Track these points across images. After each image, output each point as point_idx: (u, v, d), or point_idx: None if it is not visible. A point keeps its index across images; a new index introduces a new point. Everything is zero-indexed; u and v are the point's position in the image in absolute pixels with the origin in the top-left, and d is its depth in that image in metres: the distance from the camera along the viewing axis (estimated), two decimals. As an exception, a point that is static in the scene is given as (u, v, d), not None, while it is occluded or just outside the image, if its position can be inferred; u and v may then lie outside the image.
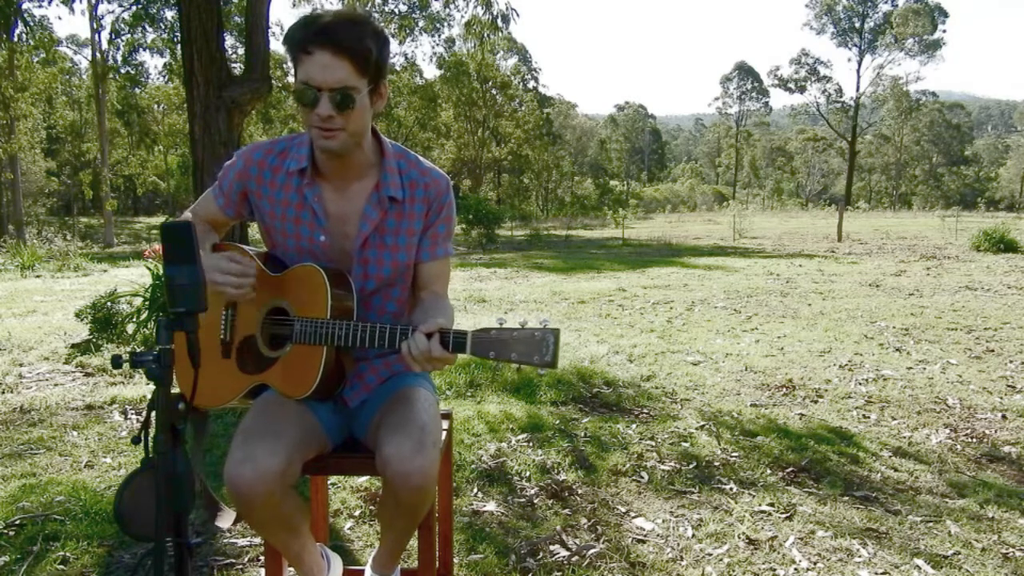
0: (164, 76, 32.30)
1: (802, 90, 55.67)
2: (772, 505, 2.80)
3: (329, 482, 2.68)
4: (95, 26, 30.64)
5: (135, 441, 1.29)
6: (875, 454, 3.39)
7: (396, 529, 1.76)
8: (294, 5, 30.29)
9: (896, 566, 2.37)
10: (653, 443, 3.49)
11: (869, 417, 3.94)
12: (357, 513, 2.73)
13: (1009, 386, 4.52)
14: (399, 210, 1.77)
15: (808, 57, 55.21)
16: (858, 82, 57.23)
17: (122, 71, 33.15)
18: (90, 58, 32.56)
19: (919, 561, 2.39)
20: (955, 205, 37.01)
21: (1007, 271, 10.70)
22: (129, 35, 30.73)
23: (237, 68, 6.11)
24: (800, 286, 9.24)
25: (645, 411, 4.01)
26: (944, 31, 52.00)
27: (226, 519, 1.74)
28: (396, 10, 32.55)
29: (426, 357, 1.51)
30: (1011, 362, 5.09)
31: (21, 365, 4.97)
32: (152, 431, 1.29)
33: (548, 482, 3.01)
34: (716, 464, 3.24)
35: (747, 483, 3.03)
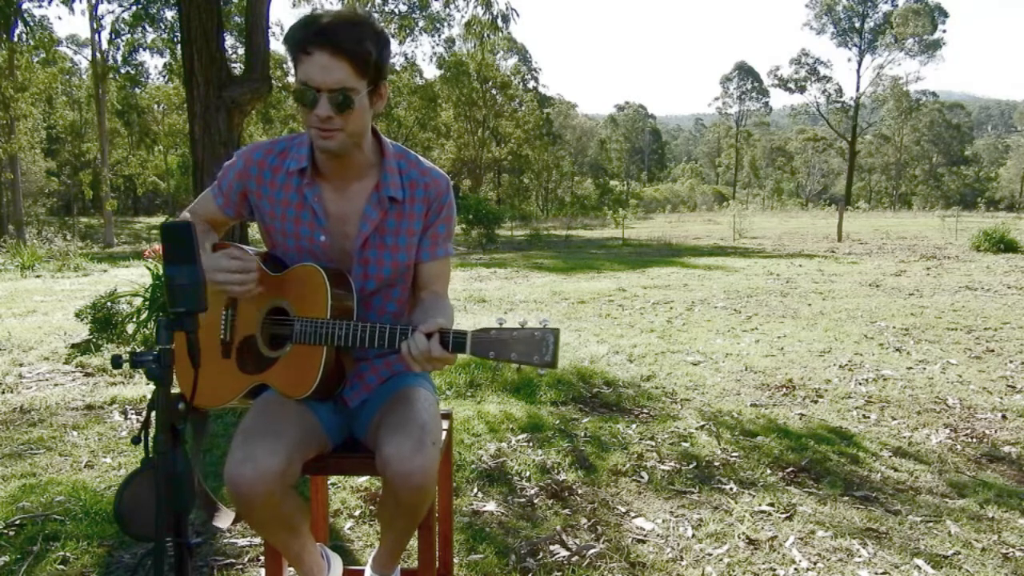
0: (164, 76, 32.32)
1: (802, 90, 55.69)
2: (772, 505, 2.80)
3: (329, 482, 2.68)
4: (95, 26, 30.65)
5: (135, 441, 1.29)
6: (875, 454, 3.39)
7: (396, 529, 1.76)
8: (294, 5, 30.28)
9: (896, 566, 2.37)
10: (653, 443, 3.49)
11: (869, 417, 3.94)
12: (357, 513, 2.73)
13: (1009, 386, 4.52)
14: (399, 210, 1.77)
15: (808, 57, 55.23)
16: (858, 82, 57.30)
17: (122, 71, 33.16)
18: (90, 58, 32.58)
19: (919, 561, 2.39)
20: (955, 205, 37.01)
21: (1007, 271, 10.70)
22: (129, 35, 30.75)
23: (237, 68, 6.11)
24: (800, 286, 9.24)
25: (645, 411, 4.01)
26: (944, 31, 52.06)
27: (224, 519, 1.74)
28: (396, 10, 32.54)
29: (426, 357, 1.51)
30: (1011, 362, 5.09)
31: (21, 365, 4.97)
32: (152, 431, 1.29)
33: (548, 482, 3.01)
34: (716, 464, 3.24)
35: (747, 483, 3.03)
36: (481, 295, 8.57)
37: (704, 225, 30.32)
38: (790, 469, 3.19)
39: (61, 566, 2.31)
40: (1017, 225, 18.14)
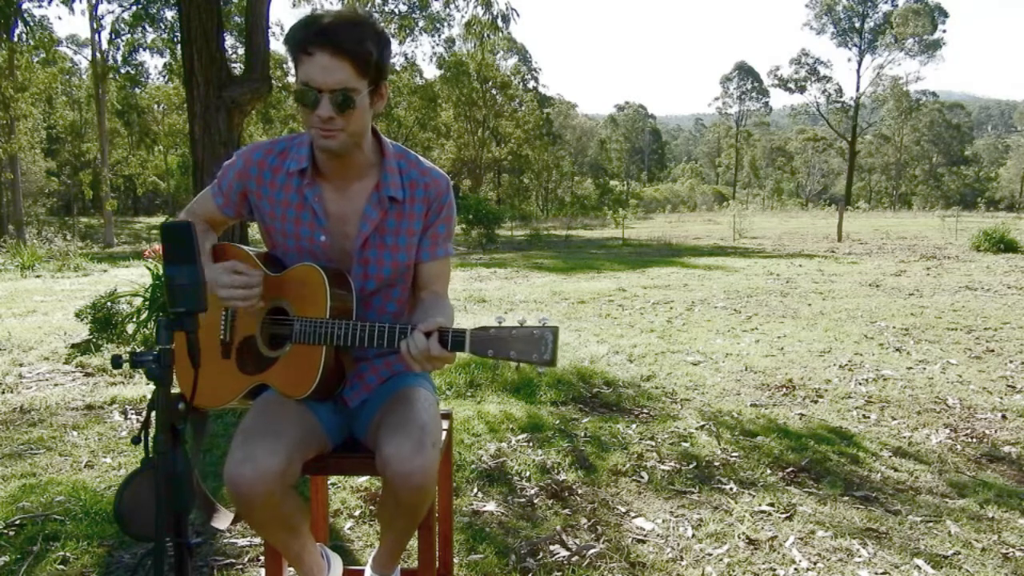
0: (164, 76, 32.31)
1: (802, 90, 55.69)
2: (772, 505, 2.80)
3: (329, 482, 2.67)
4: (95, 26, 30.65)
5: (135, 441, 1.29)
6: (875, 454, 3.39)
7: (396, 529, 1.76)
8: (294, 5, 30.28)
9: (896, 566, 2.37)
10: (653, 443, 3.49)
11: (869, 417, 3.94)
12: (357, 513, 2.73)
13: (1009, 386, 4.52)
14: (399, 210, 1.78)
15: (808, 57, 55.23)
16: (858, 82, 57.28)
17: (122, 71, 33.15)
18: (90, 58, 32.58)
19: (919, 561, 2.39)
20: (955, 205, 37.00)
21: (1007, 271, 10.70)
22: (129, 35, 30.74)
23: (237, 68, 6.11)
24: (800, 286, 9.24)
25: (645, 411, 4.01)
26: (944, 31, 52.06)
27: (223, 520, 1.74)
28: (396, 10, 32.54)
29: (425, 356, 1.51)
30: (1011, 362, 5.09)
31: (21, 365, 4.97)
32: (152, 431, 1.29)
33: (548, 482, 3.01)
34: (716, 464, 3.24)
35: (747, 483, 3.03)
36: (481, 295, 8.57)
37: (704, 225, 30.33)
38: (790, 469, 3.19)
39: (61, 566, 2.31)
40: (1017, 225, 18.14)
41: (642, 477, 3.09)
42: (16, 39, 25.95)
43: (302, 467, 1.64)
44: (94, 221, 39.14)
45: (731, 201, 40.78)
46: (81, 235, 24.81)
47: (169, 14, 25.95)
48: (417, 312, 1.78)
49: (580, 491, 2.95)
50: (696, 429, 3.67)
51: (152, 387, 1.29)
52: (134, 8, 28.11)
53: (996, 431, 3.74)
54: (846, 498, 2.90)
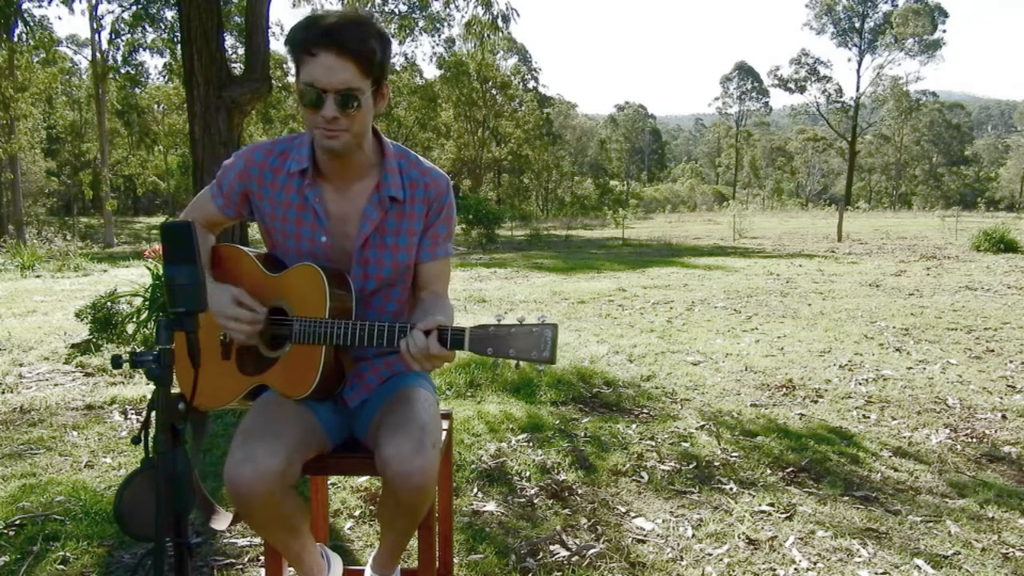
0: (164, 76, 32.32)
1: (802, 90, 55.69)
2: (772, 505, 2.80)
3: (329, 482, 2.68)
4: (95, 26, 30.65)
5: (135, 441, 1.29)
6: (875, 454, 3.39)
7: (396, 529, 1.76)
8: (294, 5, 30.30)
9: (896, 566, 2.37)
10: (653, 443, 3.49)
11: (869, 417, 3.94)
12: (357, 513, 2.73)
13: (1009, 386, 4.52)
14: (399, 210, 1.78)
15: (808, 57, 55.23)
16: (858, 82, 57.27)
17: (122, 71, 33.16)
18: (90, 58, 32.57)
19: (919, 561, 2.39)
20: (955, 205, 37.01)
21: (1007, 271, 10.70)
22: (129, 35, 30.74)
23: (237, 68, 6.11)
24: (800, 286, 9.24)
25: (645, 411, 4.01)
26: (944, 31, 52.06)
27: (221, 521, 1.74)
28: (396, 10, 32.56)
29: (424, 355, 1.51)
30: (1011, 362, 5.09)
31: (21, 365, 4.97)
32: (152, 431, 1.29)
33: (548, 482, 3.01)
34: (716, 464, 3.24)
35: (747, 483, 3.03)
36: (481, 295, 8.57)
37: (704, 225, 30.33)
38: (790, 469, 3.19)
39: (61, 566, 2.31)
40: (1017, 225, 18.14)
41: (642, 477, 3.09)
42: (16, 39, 25.95)
43: (302, 467, 1.64)
44: (94, 221, 39.14)
45: (731, 201, 40.78)
46: (81, 235, 24.82)
47: (169, 14, 25.95)
48: (417, 312, 1.78)
49: (580, 491, 2.95)
50: (696, 429, 3.67)
51: (152, 387, 1.29)
52: (134, 8, 28.12)
53: (996, 431, 3.74)
54: (846, 498, 2.90)
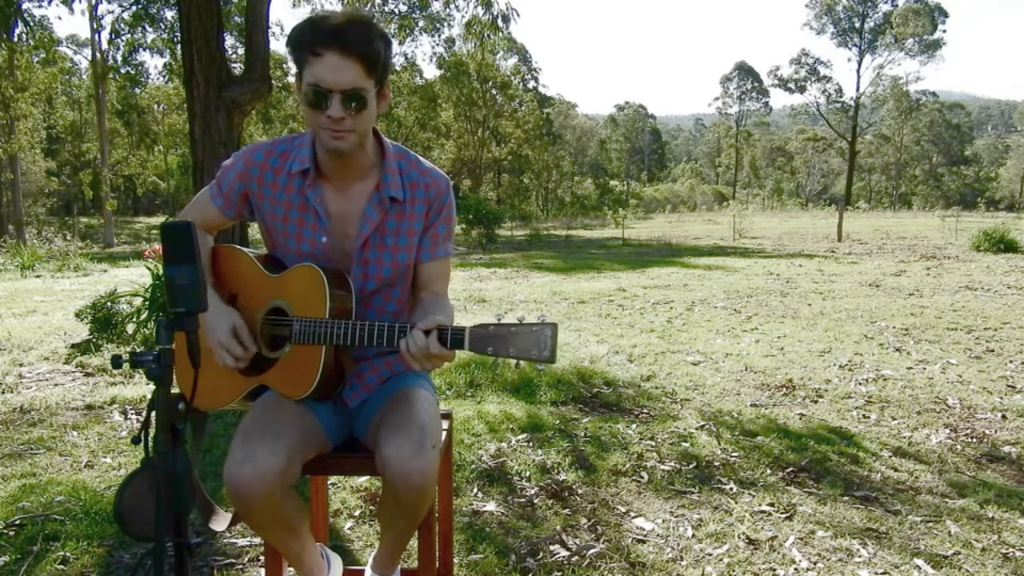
0: (164, 76, 32.30)
1: (802, 90, 55.69)
2: (772, 505, 2.80)
3: (329, 482, 2.68)
4: (95, 26, 30.65)
5: (135, 441, 1.29)
6: (875, 454, 3.39)
7: (396, 529, 1.76)
8: (294, 5, 30.27)
9: (896, 566, 2.37)
10: (653, 443, 3.49)
11: (869, 417, 3.94)
12: (357, 513, 2.73)
13: (1009, 386, 4.52)
14: (399, 210, 1.78)
15: (808, 57, 55.23)
16: (858, 82, 57.28)
17: (122, 71, 33.15)
18: (90, 58, 32.57)
19: (919, 561, 2.39)
20: (955, 205, 37.01)
21: (1007, 271, 10.70)
22: (129, 35, 30.73)
23: (237, 68, 6.11)
24: (800, 286, 9.24)
25: (645, 411, 4.01)
26: (944, 31, 52.06)
27: (220, 522, 1.74)
28: (396, 10, 32.55)
29: (424, 354, 1.51)
30: (1011, 362, 5.09)
31: (21, 365, 4.97)
32: (152, 431, 1.29)
33: (548, 482, 3.01)
34: (716, 464, 3.24)
35: (747, 483, 3.03)
36: (481, 295, 8.57)
37: (704, 225, 30.33)
38: (790, 469, 3.19)
39: (61, 566, 2.31)
40: (1017, 225, 18.14)
41: (642, 477, 3.09)
42: (16, 39, 25.94)
43: (302, 467, 1.64)
44: (94, 221, 39.14)
45: (731, 201, 40.78)
46: (81, 235, 24.82)
47: (169, 14, 25.94)
48: (417, 312, 1.78)
49: (580, 491, 2.95)
50: (696, 429, 3.67)
51: (152, 387, 1.28)
52: (134, 8, 28.11)
53: (996, 431, 3.74)
54: (846, 498, 2.90)
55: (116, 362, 1.34)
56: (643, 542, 2.53)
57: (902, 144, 58.42)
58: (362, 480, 2.95)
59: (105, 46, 31.70)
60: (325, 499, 2.25)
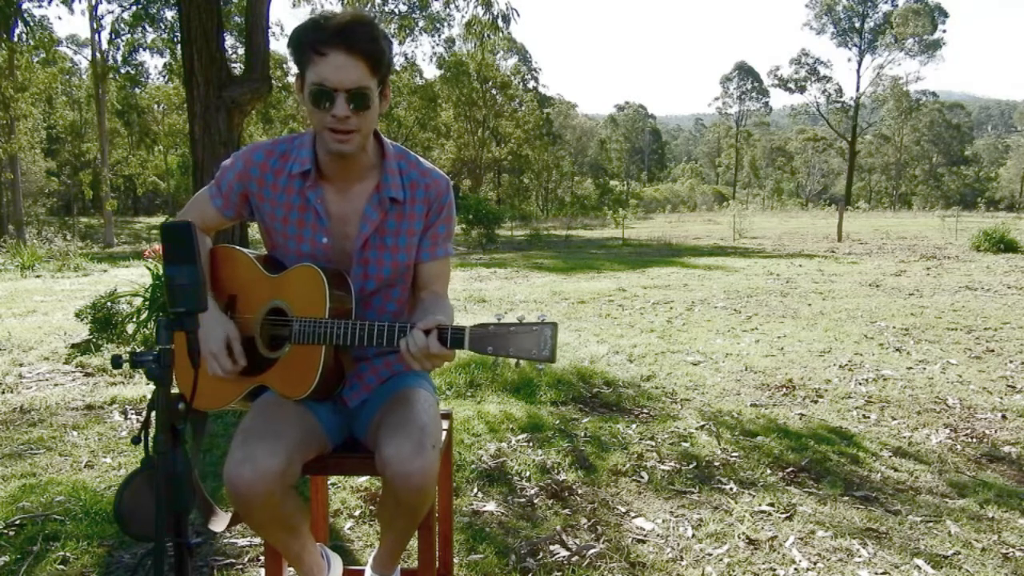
0: (164, 76, 32.30)
1: (802, 90, 55.69)
2: (772, 505, 2.80)
3: (329, 482, 2.68)
4: (95, 26, 30.64)
5: (135, 441, 1.29)
6: (875, 454, 3.39)
7: (396, 529, 1.76)
8: (294, 5, 30.23)
9: (896, 566, 2.37)
10: (653, 443, 3.49)
11: (869, 417, 3.94)
12: (357, 513, 2.73)
13: (1009, 386, 4.52)
14: (399, 211, 1.78)
15: (808, 57, 55.23)
16: (858, 82, 57.30)
17: (122, 71, 33.14)
18: (90, 58, 32.57)
19: (919, 561, 2.39)
20: (955, 205, 37.01)
21: (1007, 271, 10.70)
22: (129, 35, 30.72)
23: (237, 68, 6.11)
24: (800, 286, 9.24)
25: (645, 411, 4.01)
26: (944, 31, 52.06)
27: (220, 523, 1.74)
28: (396, 10, 32.54)
29: (424, 354, 1.51)
30: (1011, 362, 5.09)
31: (21, 365, 4.97)
32: (152, 431, 1.29)
33: (548, 482, 3.01)
34: (716, 464, 3.24)
35: (747, 483, 3.03)
36: (481, 295, 8.57)
37: (704, 225, 30.33)
38: (790, 469, 3.19)
39: (61, 566, 2.31)
40: (1017, 225, 18.14)
41: (642, 477, 3.09)
42: (16, 39, 25.93)
43: (302, 467, 1.64)
44: (94, 221, 39.15)
45: (731, 201, 40.77)
46: (81, 235, 24.81)
47: (169, 14, 25.93)
48: (417, 312, 1.78)
49: (580, 491, 2.95)
50: (696, 429, 3.67)
51: (152, 387, 1.28)
52: (134, 8, 28.09)
53: (996, 431, 3.74)
54: (846, 498, 2.90)
55: (116, 362, 1.34)
56: (643, 542, 2.53)
57: (902, 144, 58.42)
58: (362, 480, 2.95)
59: (105, 46, 31.71)
60: (325, 499, 2.25)
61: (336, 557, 1.96)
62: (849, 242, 17.97)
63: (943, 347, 5.57)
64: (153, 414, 1.29)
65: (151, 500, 1.28)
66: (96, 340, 5.30)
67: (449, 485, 2.12)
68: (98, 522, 2.57)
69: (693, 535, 2.58)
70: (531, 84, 49.43)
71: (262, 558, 2.32)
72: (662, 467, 3.20)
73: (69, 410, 3.96)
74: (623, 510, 2.78)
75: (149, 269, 5.75)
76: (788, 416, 3.93)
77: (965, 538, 2.55)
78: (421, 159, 1.84)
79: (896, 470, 3.21)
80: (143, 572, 1.43)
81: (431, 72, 55.60)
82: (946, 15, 52.01)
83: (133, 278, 7.00)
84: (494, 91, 44.89)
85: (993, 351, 5.42)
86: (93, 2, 29.67)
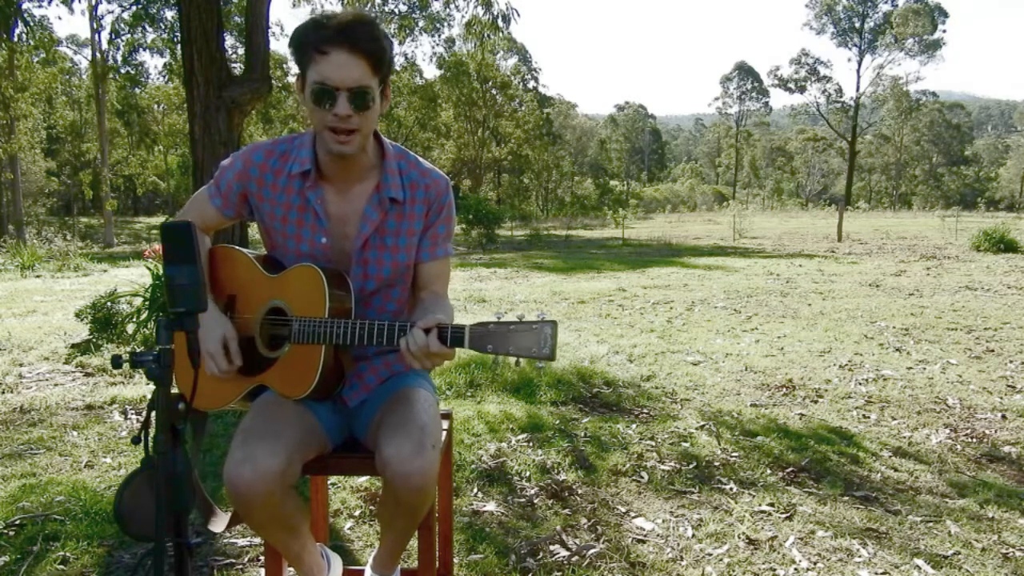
0: (164, 76, 32.29)
1: (802, 90, 55.68)
2: (772, 505, 2.80)
3: (329, 482, 2.68)
4: (95, 26, 30.64)
5: (135, 441, 1.29)
6: (875, 454, 3.39)
7: (396, 529, 1.76)
8: (294, 5, 30.21)
9: (896, 566, 2.37)
10: (653, 443, 3.49)
11: (869, 417, 3.94)
12: (357, 513, 2.73)
13: (1009, 386, 4.52)
14: (399, 211, 1.78)
15: (808, 57, 55.23)
16: (858, 82, 57.27)
17: (122, 71, 33.14)
18: (90, 58, 32.57)
19: (919, 561, 2.39)
20: (955, 205, 37.01)
21: (1007, 271, 10.70)
22: (129, 35, 30.73)
23: (237, 68, 6.11)
24: (800, 286, 9.24)
25: (645, 411, 4.01)
26: (944, 31, 52.06)
27: (219, 523, 1.74)
28: (396, 10, 32.53)
29: (424, 353, 1.51)
30: (1011, 362, 5.09)
31: (21, 365, 4.97)
32: (152, 431, 1.29)
33: (548, 482, 3.01)
34: (716, 464, 3.24)
35: (747, 483, 3.03)
36: (481, 295, 8.57)
37: (704, 225, 30.32)
38: (790, 469, 3.19)
39: (61, 566, 2.31)
40: (1017, 225, 18.14)
41: (642, 477, 3.09)
42: (16, 39, 25.91)
43: (302, 467, 1.64)
44: (94, 221, 39.14)
45: (731, 201, 40.77)
46: (81, 235, 24.81)
47: (169, 14, 25.92)
48: (417, 312, 1.78)
49: (580, 491, 2.95)
50: (696, 429, 3.67)
51: (152, 387, 1.28)
52: (134, 8, 28.09)
53: (996, 431, 3.74)
54: (846, 498, 2.90)
55: (116, 362, 1.34)
56: (643, 542, 2.53)
57: (902, 144, 58.41)
58: (362, 480, 2.95)
59: (105, 46, 31.71)
60: (325, 499, 2.25)
61: (336, 557, 1.96)
62: (849, 242, 17.97)
63: (943, 347, 5.57)
64: (153, 414, 1.29)
65: (151, 500, 1.28)
66: (96, 340, 5.30)
67: (449, 485, 2.12)
68: (98, 522, 2.57)
69: (693, 535, 2.58)
70: (531, 84, 49.45)
71: (262, 558, 2.32)
72: (662, 467, 3.20)
73: (69, 410, 3.96)
74: (623, 510, 2.78)
75: (149, 269, 5.75)
76: (788, 416, 3.93)
77: (965, 538, 2.55)
78: (421, 159, 1.84)
79: (896, 470, 3.21)
80: (143, 572, 1.43)
81: (431, 72, 55.63)
82: (946, 15, 52.02)
83: (133, 278, 7.00)
84: (494, 91, 44.89)
85: (993, 351, 5.42)
86: (93, 2, 29.67)
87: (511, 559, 2.39)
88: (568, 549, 2.46)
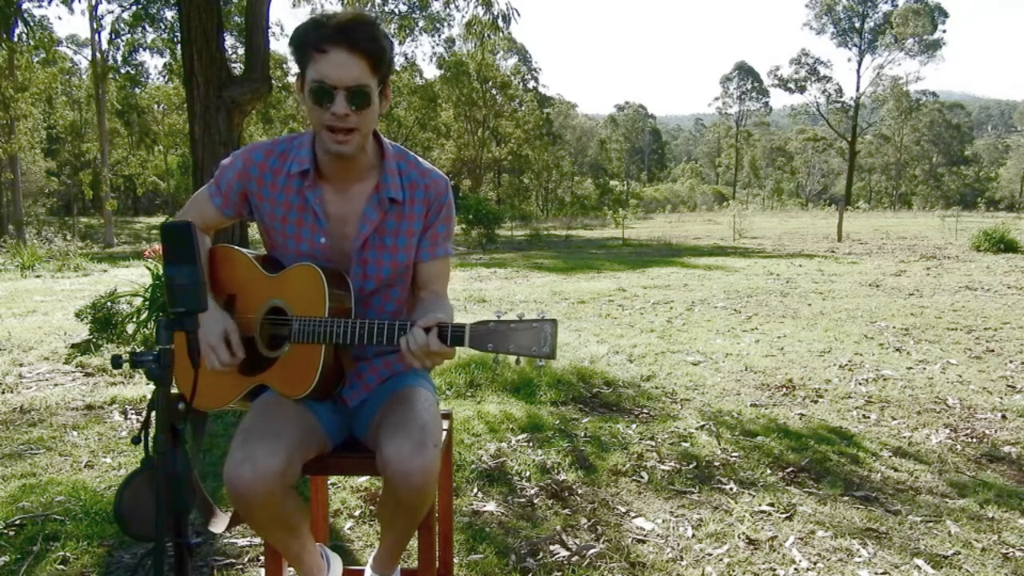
0: (164, 76, 32.30)
1: (802, 90, 55.69)
2: (772, 505, 2.80)
3: (329, 482, 2.68)
4: (95, 26, 30.64)
5: (135, 441, 1.29)
6: (875, 454, 3.39)
7: (396, 529, 1.76)
8: (294, 5, 30.19)
9: (896, 566, 2.37)
10: (653, 443, 3.49)
11: (869, 417, 3.94)
12: (357, 513, 2.73)
13: (1009, 386, 4.52)
14: (399, 211, 1.78)
15: (808, 57, 55.23)
16: (858, 82, 57.27)
17: (122, 71, 33.15)
18: (90, 58, 32.57)
19: (919, 561, 2.39)
20: (955, 205, 37.01)
21: (1007, 271, 10.70)
22: (129, 35, 30.73)
23: (237, 68, 6.11)
24: (800, 286, 9.24)
25: (645, 411, 4.01)
26: (944, 31, 52.06)
27: (219, 524, 1.74)
28: (396, 10, 32.53)
29: (425, 352, 1.51)
30: (1011, 362, 5.09)
31: (21, 365, 4.97)
32: (152, 431, 1.29)
33: (548, 482, 3.01)
34: (716, 464, 3.24)
35: (747, 483, 3.03)
36: (481, 295, 8.57)
37: (704, 225, 30.32)
38: (790, 469, 3.19)
39: (61, 566, 2.31)
40: (1017, 225, 18.14)
41: (642, 477, 3.09)
42: (16, 39, 25.89)
43: (302, 467, 1.64)
44: (94, 221, 39.14)
45: (731, 201, 40.78)
46: (81, 235, 24.80)
47: (169, 14, 25.92)
48: (417, 311, 1.78)
49: (580, 491, 2.95)
50: (696, 429, 3.67)
51: (152, 387, 1.28)
52: (134, 8, 28.09)
53: (996, 431, 3.74)
54: (846, 498, 2.90)
55: (116, 362, 1.34)
56: (643, 542, 2.53)
57: (902, 144, 58.42)
58: (362, 480, 2.95)
59: (105, 46, 31.71)
60: (325, 499, 2.25)
61: (336, 557, 1.96)
62: (849, 242, 17.97)
63: (943, 347, 5.57)
64: (153, 414, 1.29)
65: (151, 500, 1.28)
66: (96, 340, 5.30)
67: (449, 485, 2.12)
68: (98, 522, 2.57)
69: (693, 535, 2.58)
70: (531, 84, 49.45)
71: (262, 558, 2.32)
72: (662, 467, 3.20)
73: (69, 410, 3.96)
74: (623, 510, 2.78)
75: (149, 269, 5.75)
76: (788, 416, 3.93)
77: (965, 538, 2.55)
78: (420, 159, 1.84)
79: (896, 470, 3.21)
80: (143, 572, 1.43)
81: (431, 72, 55.62)
82: (946, 15, 52.02)
83: (133, 278, 7.00)
84: (494, 91, 44.89)
85: (993, 351, 5.42)
86: (93, 2, 29.67)
87: (511, 559, 2.39)
88: (568, 549, 2.46)
